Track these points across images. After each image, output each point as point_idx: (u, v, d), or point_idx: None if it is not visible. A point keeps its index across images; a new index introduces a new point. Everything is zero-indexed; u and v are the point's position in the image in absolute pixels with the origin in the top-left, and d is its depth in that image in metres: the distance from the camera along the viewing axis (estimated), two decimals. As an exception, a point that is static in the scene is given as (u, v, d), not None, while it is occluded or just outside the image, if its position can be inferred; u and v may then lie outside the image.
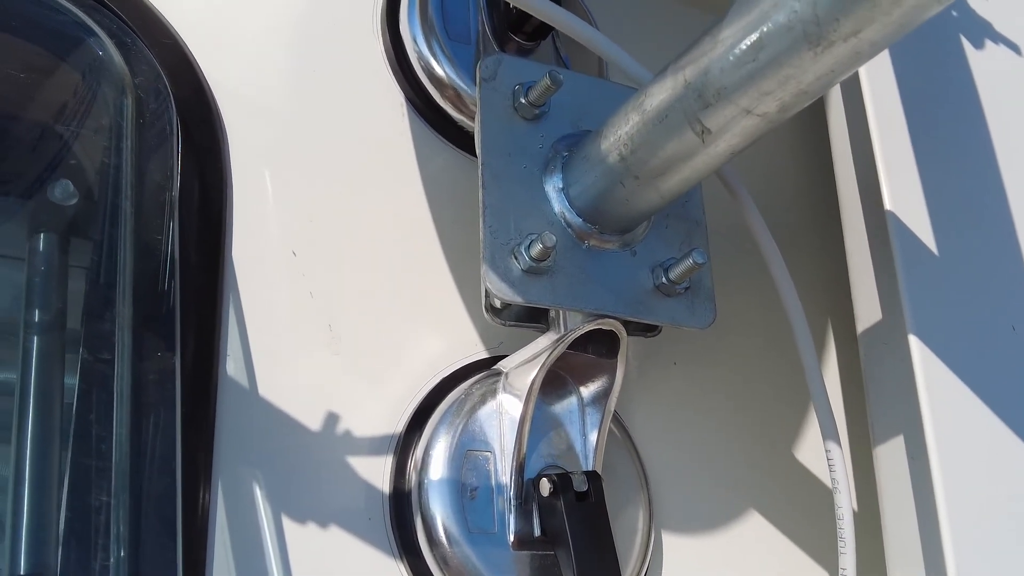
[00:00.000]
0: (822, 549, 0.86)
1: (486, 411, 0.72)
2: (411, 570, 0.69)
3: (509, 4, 0.84)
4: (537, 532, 0.69)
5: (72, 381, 0.60)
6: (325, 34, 0.82)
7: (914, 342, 0.71)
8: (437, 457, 0.70)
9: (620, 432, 0.80)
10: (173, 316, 0.63)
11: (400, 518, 0.70)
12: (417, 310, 0.77)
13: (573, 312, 0.69)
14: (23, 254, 0.64)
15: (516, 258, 0.66)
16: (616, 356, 0.72)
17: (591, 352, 0.72)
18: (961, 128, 0.83)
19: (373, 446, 0.72)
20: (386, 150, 0.81)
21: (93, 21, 0.68)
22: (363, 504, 0.70)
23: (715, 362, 0.90)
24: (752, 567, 0.84)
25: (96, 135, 0.67)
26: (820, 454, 0.83)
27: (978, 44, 0.87)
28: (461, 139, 0.84)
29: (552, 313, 0.72)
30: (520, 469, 0.70)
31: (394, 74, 0.83)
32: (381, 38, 0.84)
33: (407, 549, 0.69)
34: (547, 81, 0.69)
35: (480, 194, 0.67)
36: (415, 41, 0.83)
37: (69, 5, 0.68)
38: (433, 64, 0.82)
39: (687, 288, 0.71)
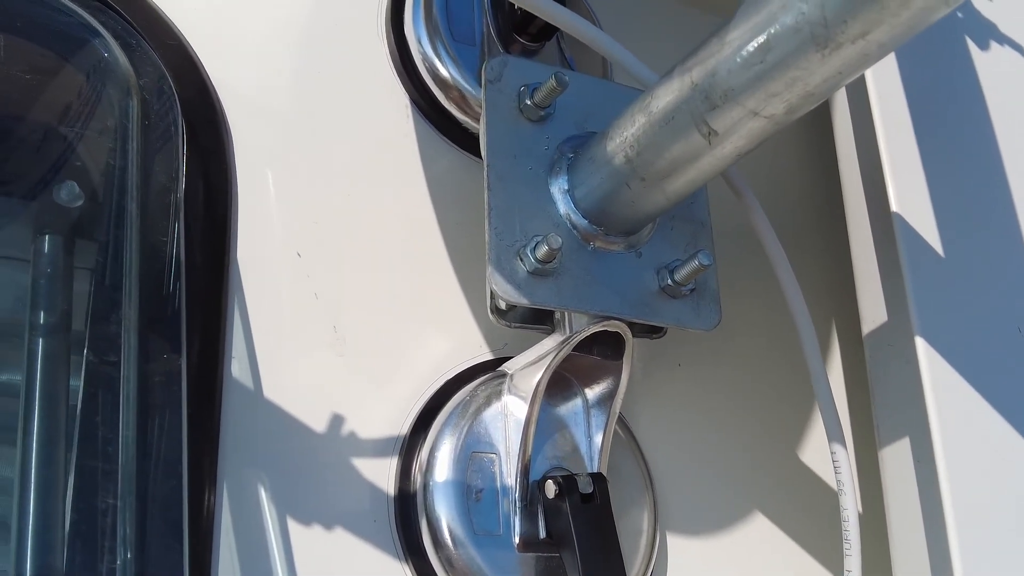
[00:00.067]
0: (827, 551, 0.86)
1: (491, 413, 0.72)
2: (416, 572, 0.69)
3: (514, 5, 0.84)
4: (542, 534, 0.69)
5: (77, 383, 0.60)
6: (329, 35, 0.82)
7: (920, 344, 0.70)
8: (442, 459, 0.70)
9: (625, 434, 0.80)
10: (179, 318, 0.63)
11: (405, 520, 0.70)
12: (422, 311, 0.77)
13: (578, 314, 0.69)
14: (28, 256, 0.64)
15: (522, 260, 0.66)
16: (621, 358, 0.71)
17: (596, 354, 0.72)
18: (967, 130, 0.82)
19: (378, 448, 0.72)
20: (391, 151, 0.81)
21: (98, 22, 0.68)
22: (368, 506, 0.70)
23: (720, 364, 0.89)
24: (757, 569, 0.84)
25: (101, 136, 0.67)
26: (825, 456, 0.83)
27: (983, 46, 0.87)
28: (466, 141, 0.83)
29: (557, 315, 0.72)
30: (525, 471, 0.70)
31: (398, 75, 0.83)
32: (385, 39, 0.84)
33: (412, 551, 0.69)
34: (553, 82, 0.69)
35: (485, 196, 0.67)
36: (419, 42, 0.82)
37: (74, 6, 0.68)
38: (438, 65, 0.82)
39: (692, 290, 0.71)
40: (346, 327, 0.74)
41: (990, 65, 0.86)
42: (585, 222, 0.69)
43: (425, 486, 0.69)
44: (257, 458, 0.67)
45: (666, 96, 0.60)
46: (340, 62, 0.82)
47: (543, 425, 0.72)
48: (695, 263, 0.69)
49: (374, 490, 0.70)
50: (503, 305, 0.73)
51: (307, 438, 0.69)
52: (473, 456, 0.70)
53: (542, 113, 0.71)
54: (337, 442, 0.70)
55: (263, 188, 0.74)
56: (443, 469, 0.69)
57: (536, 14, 0.75)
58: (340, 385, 0.72)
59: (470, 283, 0.80)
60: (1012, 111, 0.85)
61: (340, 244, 0.76)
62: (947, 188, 0.77)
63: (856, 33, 0.47)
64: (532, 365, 0.71)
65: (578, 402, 0.75)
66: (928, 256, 0.74)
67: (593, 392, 0.74)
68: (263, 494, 0.66)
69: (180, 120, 0.69)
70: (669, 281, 0.70)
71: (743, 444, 0.87)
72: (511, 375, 0.73)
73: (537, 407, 0.69)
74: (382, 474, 0.71)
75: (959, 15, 0.87)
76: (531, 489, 0.70)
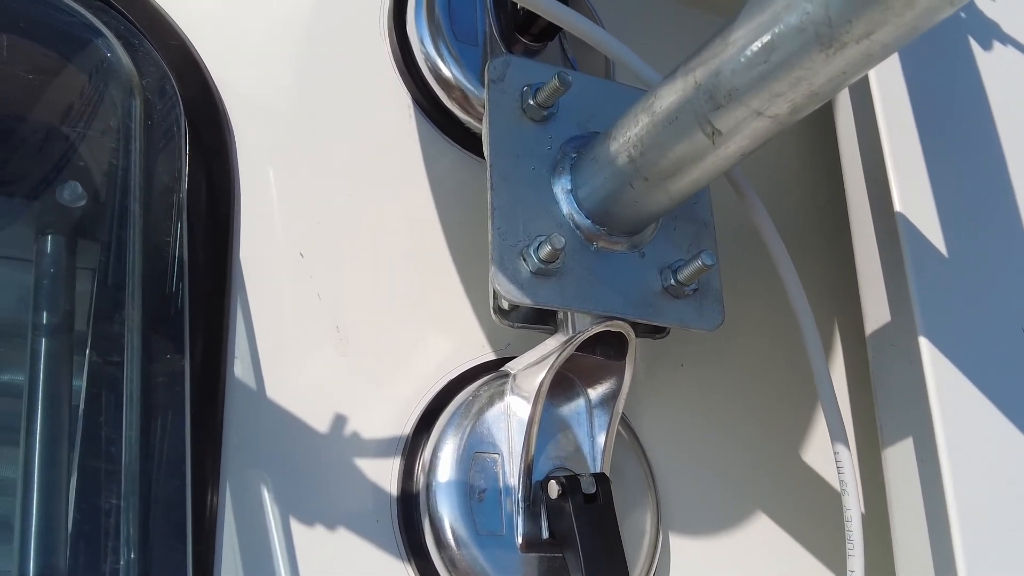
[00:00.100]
0: (830, 551, 0.86)
1: (494, 413, 0.72)
2: (419, 572, 0.69)
3: (516, 5, 0.84)
4: (545, 534, 0.69)
5: (80, 383, 0.60)
6: (332, 35, 0.82)
7: (924, 344, 0.70)
8: (445, 459, 0.70)
9: (628, 434, 0.80)
10: (182, 318, 0.63)
11: (408, 520, 0.70)
12: (424, 312, 0.77)
13: (581, 314, 0.69)
14: (31, 256, 0.64)
15: (525, 260, 0.66)
16: (624, 358, 0.71)
17: (599, 354, 0.72)
18: (970, 129, 0.82)
19: (381, 448, 0.72)
20: (393, 151, 0.81)
21: (100, 22, 0.68)
22: (371, 506, 0.70)
23: (723, 364, 0.89)
24: (759, 569, 0.84)
25: (104, 136, 0.67)
26: (828, 456, 0.83)
27: (986, 45, 0.87)
28: (468, 141, 0.83)
29: (560, 315, 0.72)
30: (528, 471, 0.70)
31: (401, 75, 0.83)
32: (388, 39, 0.84)
33: (415, 551, 0.69)
34: (556, 82, 0.69)
35: (489, 196, 0.67)
36: (422, 42, 0.82)
37: (77, 6, 0.68)
38: (440, 65, 0.82)
39: (695, 290, 0.71)
40: (349, 327, 0.74)
41: (993, 65, 0.86)
42: (588, 222, 0.69)
43: (428, 486, 0.69)
44: (260, 458, 0.67)
45: (670, 96, 0.60)
46: (342, 62, 0.82)
47: (546, 425, 0.72)
48: (698, 263, 0.69)
49: (377, 490, 0.70)
50: (506, 305, 0.73)
51: (310, 438, 0.69)
52: (476, 456, 0.70)
53: (545, 113, 0.71)
54: (340, 442, 0.70)
55: (265, 188, 0.74)
56: (446, 469, 0.69)
57: (539, 14, 0.75)
58: (343, 385, 0.72)
59: (473, 283, 0.80)
60: (1015, 111, 0.84)
61: (342, 244, 0.76)
62: (950, 187, 0.77)
63: (860, 33, 0.47)
64: (535, 365, 0.71)
65: (581, 402, 0.74)
66: (932, 256, 0.74)
67: (596, 392, 0.74)
68: (266, 494, 0.66)
69: (183, 120, 0.69)
70: (672, 281, 0.70)
71: (746, 444, 0.87)
72: (514, 375, 0.73)
73: (540, 407, 0.69)
74: (385, 474, 0.71)
75: (962, 15, 0.87)
76: (534, 489, 0.70)
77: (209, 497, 0.62)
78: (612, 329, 0.69)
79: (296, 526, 0.66)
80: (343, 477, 0.69)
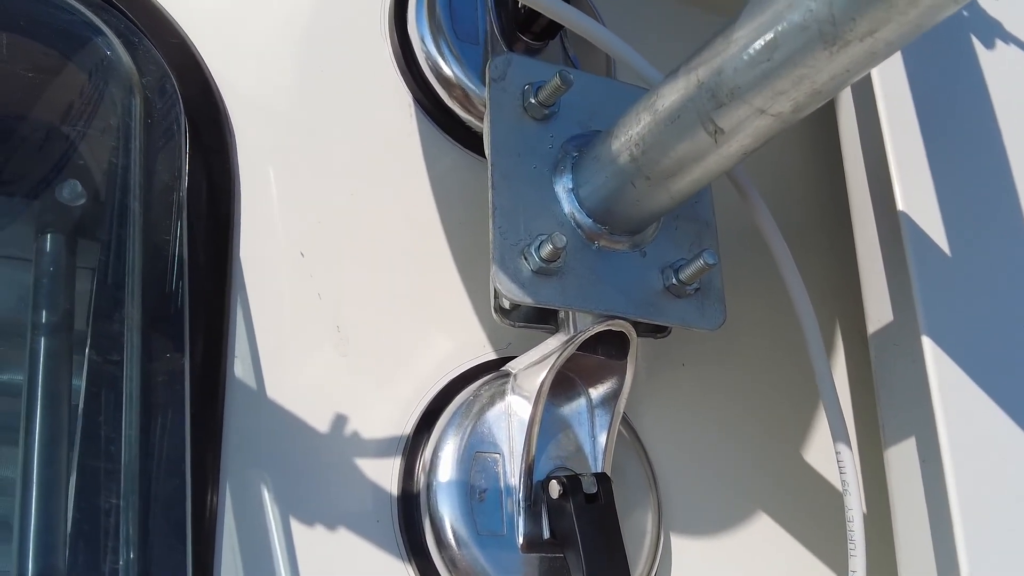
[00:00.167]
0: (832, 551, 0.86)
1: (495, 413, 0.72)
2: (419, 572, 0.69)
3: (518, 4, 0.84)
4: (546, 534, 0.69)
5: (79, 383, 0.60)
6: (333, 34, 0.82)
7: (927, 343, 0.70)
8: (446, 459, 0.70)
9: (629, 434, 0.80)
10: (181, 317, 0.63)
11: (408, 520, 0.70)
12: (425, 311, 0.77)
13: (583, 313, 0.69)
14: (30, 255, 0.64)
15: (526, 259, 0.66)
16: (626, 357, 0.71)
17: (601, 353, 0.71)
18: (973, 128, 0.82)
19: (381, 448, 0.71)
20: (394, 150, 0.81)
21: (101, 20, 0.68)
22: (371, 506, 0.69)
23: (724, 364, 0.89)
24: (761, 569, 0.84)
25: (104, 135, 0.66)
26: (830, 456, 0.83)
27: (989, 44, 0.87)
28: (469, 139, 0.83)
29: (561, 314, 0.71)
30: (529, 471, 0.69)
31: (402, 74, 0.83)
32: (389, 38, 0.84)
33: (415, 551, 0.69)
34: (557, 81, 0.69)
35: (490, 195, 0.67)
36: (423, 41, 0.82)
37: (77, 4, 0.68)
38: (441, 64, 0.82)
39: (697, 289, 0.71)
40: (349, 327, 0.73)
41: (995, 63, 0.86)
42: (589, 221, 0.69)
43: (428, 486, 0.69)
44: (260, 458, 0.67)
45: (672, 94, 0.59)
46: (343, 61, 0.81)
47: (547, 425, 0.72)
48: (700, 262, 0.68)
49: (377, 490, 0.70)
50: (507, 304, 0.72)
51: (310, 438, 0.69)
52: (477, 456, 0.70)
53: (546, 112, 0.71)
54: (340, 442, 0.70)
55: (266, 187, 0.74)
56: (447, 469, 0.69)
57: (542, 12, 0.75)
58: (343, 385, 0.72)
59: (474, 282, 0.79)
60: (1018, 109, 0.84)
61: (343, 243, 0.75)
62: (953, 186, 0.77)
63: (864, 31, 0.47)
64: (536, 365, 0.71)
65: (582, 402, 0.74)
66: (934, 255, 0.74)
67: (597, 392, 0.74)
68: (266, 494, 0.66)
69: (183, 119, 0.69)
70: (674, 280, 0.70)
71: (747, 444, 0.87)
72: (515, 375, 0.73)
73: (541, 407, 0.69)
74: (385, 474, 0.71)
75: (964, 13, 0.87)
76: (535, 489, 0.70)
77: (209, 497, 0.62)
78: (613, 328, 0.69)
79: (296, 526, 0.66)
80: (343, 477, 0.69)
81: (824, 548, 0.86)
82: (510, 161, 0.69)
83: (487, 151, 0.69)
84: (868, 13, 0.46)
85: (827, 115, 0.89)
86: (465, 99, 0.82)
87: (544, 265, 0.65)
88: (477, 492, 0.69)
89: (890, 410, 0.76)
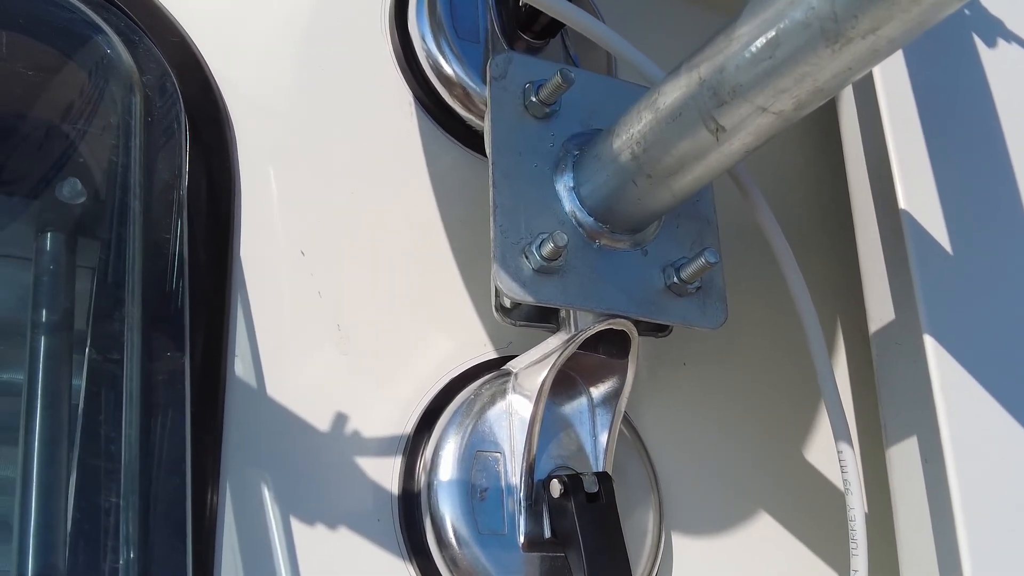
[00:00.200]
0: (834, 551, 0.86)
1: (496, 412, 0.72)
2: (420, 571, 0.69)
3: (518, 2, 0.84)
4: (547, 533, 0.69)
5: (79, 382, 0.60)
6: (333, 32, 0.82)
7: (929, 342, 0.70)
8: (446, 458, 0.69)
9: (630, 433, 0.80)
10: (182, 316, 0.63)
11: (409, 519, 0.70)
12: (426, 310, 0.77)
13: (584, 312, 0.69)
14: (30, 254, 0.63)
15: (527, 257, 0.65)
16: (627, 356, 0.71)
17: (602, 352, 0.71)
18: (974, 126, 0.82)
19: (382, 447, 0.71)
20: (394, 149, 0.80)
21: (101, 19, 0.68)
22: (372, 505, 0.69)
23: (726, 362, 0.89)
24: (762, 568, 0.83)
25: (104, 133, 0.66)
26: (831, 455, 0.83)
27: (990, 43, 0.87)
28: (470, 138, 0.83)
29: (562, 313, 0.71)
30: (530, 470, 0.69)
31: (402, 73, 0.83)
32: (389, 37, 0.84)
33: (416, 550, 0.69)
34: (558, 79, 0.68)
35: (491, 193, 0.66)
36: (424, 40, 0.82)
37: (77, 3, 0.67)
38: (442, 63, 0.81)
39: (698, 288, 0.71)
40: (350, 325, 0.73)
41: (997, 61, 0.86)
42: (591, 219, 0.69)
43: (429, 485, 0.69)
44: (260, 457, 0.67)
45: (673, 92, 0.59)
46: (343, 59, 0.81)
47: (548, 424, 0.72)
48: (701, 261, 0.68)
49: (378, 489, 0.70)
50: (508, 303, 0.72)
51: (310, 437, 0.69)
52: (477, 455, 0.70)
53: (547, 110, 0.71)
54: (341, 441, 0.70)
55: (266, 185, 0.74)
56: (447, 468, 0.69)
57: (543, 10, 0.75)
58: (343, 384, 0.72)
59: (474, 281, 0.79)
60: (1020, 107, 0.84)
61: (343, 242, 0.75)
62: (955, 184, 0.77)
63: (866, 28, 0.47)
64: (537, 364, 0.71)
65: (583, 401, 0.74)
66: (936, 253, 0.74)
67: (598, 391, 0.74)
68: (266, 493, 0.66)
69: (183, 117, 0.69)
70: (675, 279, 0.70)
71: (749, 443, 0.87)
72: (516, 374, 0.73)
73: (542, 406, 0.69)
74: (386, 473, 0.71)
75: (966, 12, 0.87)
76: (536, 488, 0.69)
77: (209, 496, 0.62)
78: (615, 327, 0.69)
79: (297, 525, 0.66)
80: (344, 476, 0.69)
81: (825, 547, 0.86)
82: (511, 159, 0.69)
83: (488, 149, 0.69)
84: (870, 10, 0.46)
85: (829, 113, 0.88)
86: (466, 98, 0.81)
87: (545, 264, 0.65)
88: (478, 491, 0.69)
89: (892, 409, 0.76)
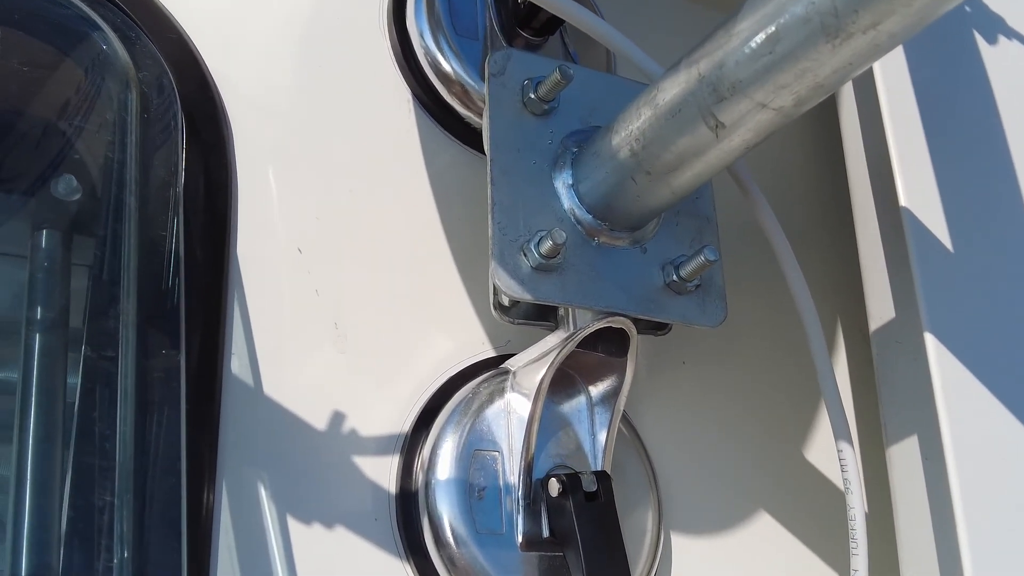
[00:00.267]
0: (834, 550, 0.86)
1: (494, 410, 0.72)
2: (418, 571, 0.69)
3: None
4: (546, 533, 0.68)
5: (75, 379, 0.60)
6: (331, 29, 0.81)
7: (929, 341, 0.70)
8: (444, 457, 0.69)
9: (629, 432, 0.80)
10: (178, 313, 0.62)
11: (407, 518, 0.69)
12: (424, 308, 0.76)
13: (582, 310, 0.68)
14: (25, 251, 0.63)
15: (525, 255, 0.65)
16: (626, 355, 0.71)
17: (600, 351, 0.71)
18: (975, 123, 0.82)
19: (379, 446, 0.71)
20: (393, 147, 0.80)
21: (97, 15, 0.68)
22: (369, 504, 0.69)
23: (725, 361, 0.89)
24: (762, 568, 0.83)
25: (100, 130, 0.66)
26: (831, 454, 0.82)
27: (991, 39, 0.86)
28: (468, 135, 0.83)
29: (561, 311, 0.71)
30: (528, 469, 0.69)
31: (401, 70, 0.83)
32: (388, 34, 0.83)
33: (414, 550, 0.69)
34: (557, 76, 0.68)
35: (489, 190, 0.66)
36: (422, 37, 0.82)
37: (73, -1, 0.67)
38: (440, 60, 0.81)
39: (698, 286, 0.71)
40: (347, 324, 0.73)
41: (998, 58, 0.85)
42: (589, 217, 0.68)
43: (427, 484, 0.69)
44: (257, 456, 0.66)
45: (672, 89, 0.59)
46: (342, 56, 0.81)
47: (546, 423, 0.71)
48: (701, 259, 0.68)
49: (375, 488, 0.70)
50: (506, 301, 0.72)
51: (308, 436, 0.69)
52: (476, 454, 0.70)
53: (546, 107, 0.71)
54: (338, 440, 0.70)
55: (263, 183, 0.74)
56: (445, 467, 0.69)
57: (542, 7, 0.74)
58: (341, 382, 0.71)
59: (473, 279, 0.79)
60: (1020, 104, 0.84)
61: (341, 240, 0.75)
62: (955, 182, 0.77)
63: (867, 23, 0.47)
64: (535, 362, 0.71)
65: (582, 399, 0.74)
66: (937, 251, 0.74)
67: (597, 389, 0.74)
68: (263, 492, 0.65)
69: (180, 114, 0.69)
70: (674, 277, 0.69)
71: (748, 442, 0.87)
72: (514, 372, 0.73)
73: (540, 404, 0.68)
74: (383, 472, 0.70)
75: (967, 8, 0.87)
76: (534, 487, 0.69)
77: (205, 495, 0.62)
78: (613, 325, 0.68)
79: (293, 524, 0.66)
80: (341, 475, 0.69)
81: (825, 547, 0.86)
82: (509, 157, 0.68)
83: (486, 147, 0.69)
84: (871, 5, 0.46)
85: (829, 110, 0.88)
86: (464, 95, 0.81)
87: (544, 261, 0.64)
88: (476, 490, 0.69)
89: (892, 408, 0.76)
